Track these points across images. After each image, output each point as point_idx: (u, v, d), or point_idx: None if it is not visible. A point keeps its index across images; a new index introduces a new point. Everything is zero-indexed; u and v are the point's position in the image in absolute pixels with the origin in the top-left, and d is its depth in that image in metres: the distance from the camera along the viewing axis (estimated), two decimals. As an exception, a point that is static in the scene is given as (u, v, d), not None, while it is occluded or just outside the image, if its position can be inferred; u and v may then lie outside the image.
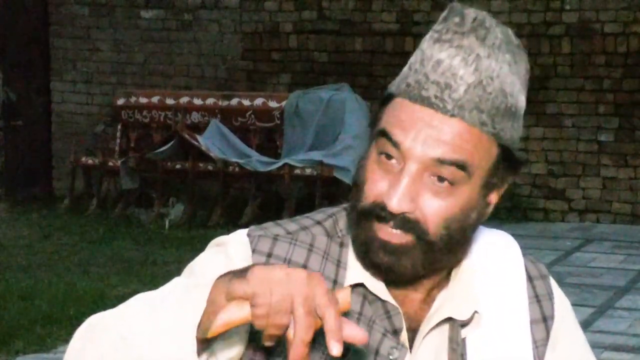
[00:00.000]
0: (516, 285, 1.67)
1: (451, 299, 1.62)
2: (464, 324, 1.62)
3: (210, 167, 10.06)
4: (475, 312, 1.62)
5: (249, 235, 1.63)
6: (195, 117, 10.59)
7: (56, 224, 10.11)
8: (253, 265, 1.37)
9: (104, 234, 9.59)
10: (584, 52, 10.07)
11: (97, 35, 11.89)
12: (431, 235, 1.53)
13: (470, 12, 1.55)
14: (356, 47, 10.85)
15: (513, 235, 1.78)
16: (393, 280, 1.58)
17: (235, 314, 1.34)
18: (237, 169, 9.94)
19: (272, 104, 10.36)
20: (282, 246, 1.62)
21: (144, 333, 1.42)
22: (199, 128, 10.40)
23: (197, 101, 10.64)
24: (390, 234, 1.53)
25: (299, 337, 1.31)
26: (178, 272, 1.67)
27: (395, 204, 1.50)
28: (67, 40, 11.99)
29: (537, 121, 10.09)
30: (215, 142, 10.10)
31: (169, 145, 10.23)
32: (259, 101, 10.43)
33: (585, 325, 6.68)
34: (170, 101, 10.73)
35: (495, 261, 1.68)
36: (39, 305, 7.03)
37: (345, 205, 1.68)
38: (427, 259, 1.55)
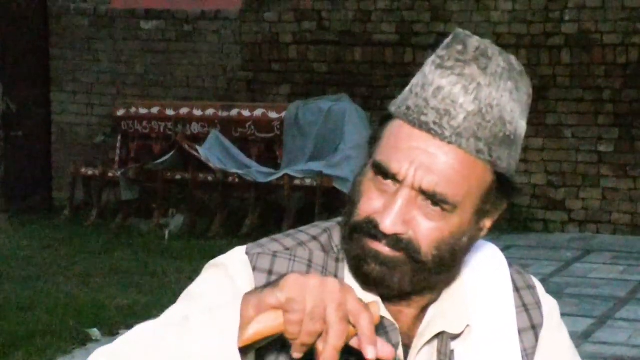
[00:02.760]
0: (503, 295, 1.70)
1: (442, 314, 1.64)
2: (454, 337, 1.64)
3: (210, 178, 10.06)
4: (467, 325, 1.64)
5: (247, 253, 1.63)
6: (195, 127, 10.60)
7: (56, 234, 10.10)
8: (286, 275, 1.38)
9: (103, 245, 9.58)
10: (583, 63, 10.07)
11: (97, 46, 11.89)
12: (422, 255, 1.55)
13: (474, 41, 1.56)
14: (356, 58, 10.85)
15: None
16: (382, 293, 1.60)
17: (268, 322, 1.33)
18: (236, 180, 9.94)
19: (272, 114, 10.37)
20: (282, 263, 1.62)
21: None
22: (198, 139, 10.40)
23: (197, 112, 10.65)
24: (382, 247, 1.56)
25: (331, 344, 1.32)
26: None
27: (389, 225, 1.53)
28: (67, 51, 12.00)
29: (537, 132, 10.09)
30: (215, 152, 10.10)
31: (169, 155, 10.23)
32: (258, 112, 10.44)
33: (585, 336, 6.66)
34: (170, 112, 10.74)
35: (483, 273, 1.70)
36: (38, 316, 7.02)
37: (339, 219, 1.70)
38: (417, 277, 1.57)
